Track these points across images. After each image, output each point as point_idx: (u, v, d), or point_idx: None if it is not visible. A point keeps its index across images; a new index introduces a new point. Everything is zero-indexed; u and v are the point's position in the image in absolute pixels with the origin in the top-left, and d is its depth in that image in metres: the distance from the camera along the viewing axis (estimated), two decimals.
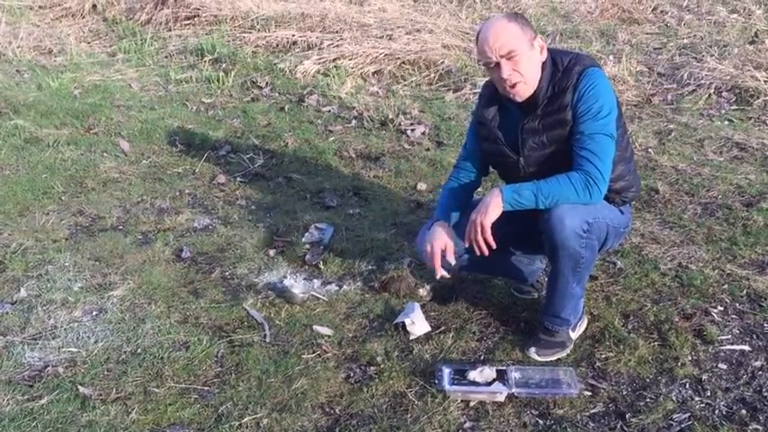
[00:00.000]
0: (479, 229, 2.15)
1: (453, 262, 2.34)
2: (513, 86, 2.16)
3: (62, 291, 2.78)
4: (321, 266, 2.95)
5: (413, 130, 4.39)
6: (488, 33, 2.15)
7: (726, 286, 2.71)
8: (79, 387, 2.25)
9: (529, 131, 2.24)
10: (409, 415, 2.13)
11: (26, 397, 2.21)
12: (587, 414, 2.13)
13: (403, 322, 2.49)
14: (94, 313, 2.66)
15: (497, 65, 2.15)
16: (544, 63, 2.21)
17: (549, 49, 2.24)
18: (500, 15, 2.23)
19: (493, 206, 2.13)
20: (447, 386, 2.20)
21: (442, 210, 2.44)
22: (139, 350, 2.44)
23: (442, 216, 2.41)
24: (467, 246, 2.24)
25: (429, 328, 2.51)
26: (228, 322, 2.60)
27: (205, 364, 2.37)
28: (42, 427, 2.09)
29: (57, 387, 2.26)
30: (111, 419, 2.12)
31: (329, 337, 2.51)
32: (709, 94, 4.68)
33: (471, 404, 2.17)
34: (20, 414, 2.14)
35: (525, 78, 2.15)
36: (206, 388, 2.27)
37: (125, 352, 2.43)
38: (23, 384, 2.27)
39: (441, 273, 2.33)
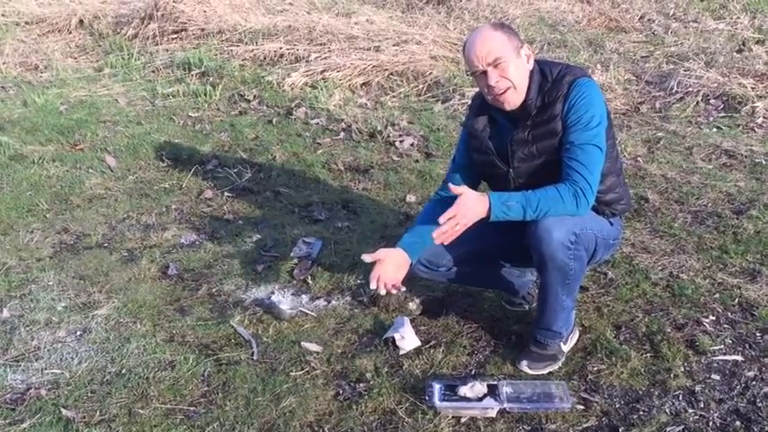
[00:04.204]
0: (454, 226, 2.08)
1: (394, 293, 2.41)
2: (502, 94, 2.14)
3: (45, 310, 2.73)
4: (309, 281, 2.91)
5: (401, 141, 4.37)
6: (475, 42, 2.14)
7: (717, 295, 2.69)
8: (62, 410, 2.20)
9: (518, 142, 2.22)
10: None
11: (8, 421, 2.16)
12: (580, 428, 2.10)
13: (393, 337, 2.46)
14: (78, 333, 2.61)
15: (484, 73, 2.13)
16: (532, 73, 2.19)
17: (537, 60, 2.23)
18: (486, 25, 2.22)
19: (478, 215, 2.08)
20: (437, 402, 2.16)
21: (421, 222, 2.39)
22: (124, 370, 2.39)
23: (415, 235, 2.37)
24: (434, 236, 2.14)
25: (419, 343, 2.48)
26: (215, 340, 2.56)
27: (191, 384, 2.33)
28: None
29: (39, 410, 2.21)
30: None
31: (318, 353, 2.47)
32: (697, 102, 4.69)
33: (462, 420, 2.14)
34: None
35: (513, 85, 2.13)
36: (192, 408, 2.22)
37: (109, 372, 2.39)
38: (5, 408, 2.22)
39: (381, 289, 2.32)
